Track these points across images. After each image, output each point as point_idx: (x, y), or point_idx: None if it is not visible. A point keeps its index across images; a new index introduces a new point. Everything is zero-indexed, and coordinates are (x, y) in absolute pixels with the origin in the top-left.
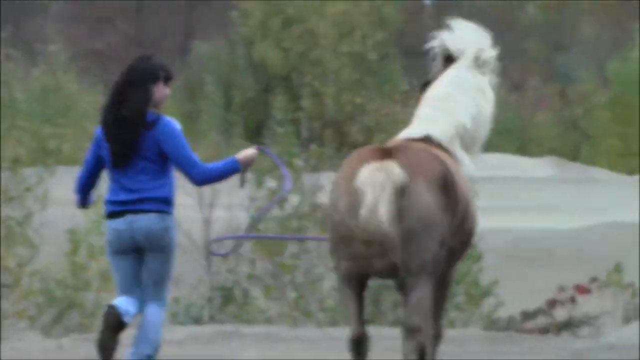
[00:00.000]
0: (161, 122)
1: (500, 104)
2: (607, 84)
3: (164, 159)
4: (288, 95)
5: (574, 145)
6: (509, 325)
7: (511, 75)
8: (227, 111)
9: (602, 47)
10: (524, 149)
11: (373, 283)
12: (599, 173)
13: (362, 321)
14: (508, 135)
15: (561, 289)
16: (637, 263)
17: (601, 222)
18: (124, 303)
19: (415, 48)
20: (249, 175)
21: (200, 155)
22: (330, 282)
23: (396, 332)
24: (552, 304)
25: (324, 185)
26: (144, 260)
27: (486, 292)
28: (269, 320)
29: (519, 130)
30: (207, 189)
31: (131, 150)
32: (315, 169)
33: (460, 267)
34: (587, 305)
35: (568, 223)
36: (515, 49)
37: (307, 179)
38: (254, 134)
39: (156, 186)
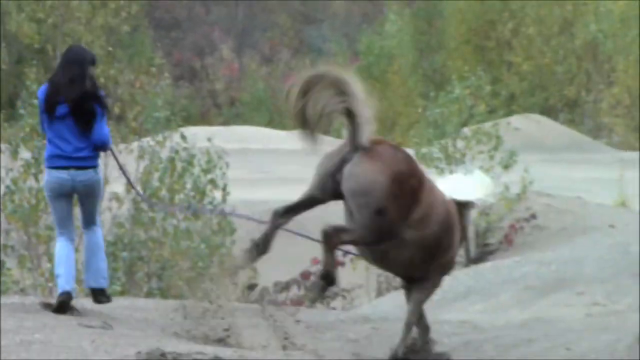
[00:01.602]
0: None
1: (251, 76)
2: (358, 58)
3: None
4: (42, 66)
5: None
6: (262, 297)
7: (262, 48)
8: None
9: (352, 21)
10: (274, 121)
11: (127, 255)
12: None
13: None
14: (259, 108)
15: (315, 261)
16: None
17: None
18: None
19: (164, 20)
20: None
21: None
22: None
23: (150, 303)
24: (306, 275)
25: None
26: None
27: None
28: (23, 291)
29: (269, 103)
30: None
31: None
32: None
33: (214, 240)
34: (340, 278)
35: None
36: (266, 22)
37: None
38: (7, 106)
39: None
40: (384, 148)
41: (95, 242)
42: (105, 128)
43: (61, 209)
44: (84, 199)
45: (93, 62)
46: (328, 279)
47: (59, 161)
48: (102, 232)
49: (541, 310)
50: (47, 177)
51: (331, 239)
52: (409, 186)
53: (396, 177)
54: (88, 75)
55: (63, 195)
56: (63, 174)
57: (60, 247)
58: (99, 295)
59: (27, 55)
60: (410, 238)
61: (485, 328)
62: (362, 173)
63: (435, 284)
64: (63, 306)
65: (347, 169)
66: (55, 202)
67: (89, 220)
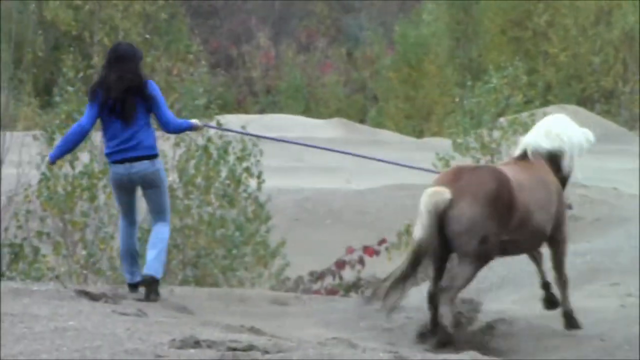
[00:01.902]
0: None
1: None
2: (394, 47)
3: None
4: (78, 53)
5: (361, 107)
6: (297, 286)
7: (299, 36)
8: (17, 69)
9: (389, 11)
10: (310, 110)
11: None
12: (386, 135)
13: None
14: (295, 96)
15: (349, 250)
16: None
17: (387, 184)
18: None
19: (202, 8)
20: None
21: None
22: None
23: (186, 291)
24: (341, 265)
25: None
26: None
27: (274, 253)
28: (58, 278)
29: (306, 92)
30: None
31: None
32: None
33: (249, 228)
34: (375, 266)
35: (354, 184)
36: (302, 10)
37: (98, 137)
38: (44, 92)
39: None
40: (467, 176)
41: (156, 236)
42: (165, 115)
43: (123, 202)
44: (144, 190)
45: (140, 58)
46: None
47: (114, 156)
48: (167, 229)
49: (575, 300)
50: (110, 172)
51: (448, 293)
52: (500, 202)
53: (487, 200)
54: (136, 71)
55: (123, 188)
56: (119, 168)
57: (120, 232)
58: (149, 286)
59: (64, 42)
60: (517, 238)
61: (520, 318)
62: (458, 213)
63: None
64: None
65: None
66: (117, 195)
67: (154, 214)
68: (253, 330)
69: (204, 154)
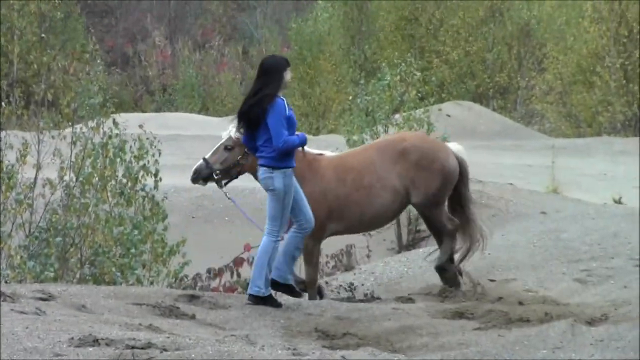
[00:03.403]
0: None
1: (184, 63)
2: (290, 45)
3: None
4: None
5: None
6: (195, 283)
7: (194, 34)
8: None
9: (284, 9)
10: (207, 108)
11: (60, 241)
12: None
13: None
14: (191, 94)
15: (247, 247)
16: None
17: None
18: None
19: (97, 7)
20: None
21: None
22: (17, 240)
23: (84, 290)
24: (239, 262)
25: (12, 144)
26: None
27: (172, 251)
28: None
29: (202, 90)
30: None
31: None
32: (2, 127)
33: (146, 226)
34: None
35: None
36: (198, 8)
37: None
38: None
39: None
40: None
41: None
42: (273, 130)
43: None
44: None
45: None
46: None
47: None
48: (267, 240)
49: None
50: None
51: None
52: None
53: None
54: (268, 86)
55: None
56: None
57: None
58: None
59: None
60: None
61: (419, 315)
62: None
63: None
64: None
65: None
66: None
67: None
68: (151, 328)
69: (101, 152)
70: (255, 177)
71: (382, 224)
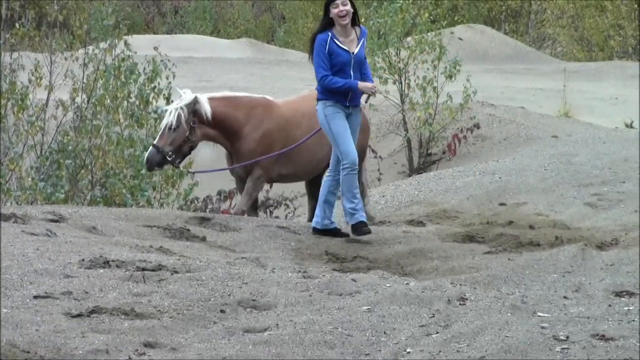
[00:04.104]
0: None
1: None
2: None
3: None
4: None
5: (269, 27)
6: (206, 206)
7: None
8: None
9: None
10: (219, 30)
11: (71, 163)
12: (294, 55)
13: None
14: (203, 17)
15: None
16: None
17: None
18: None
19: None
20: None
21: None
22: (29, 162)
23: (94, 211)
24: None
25: (24, 65)
26: None
27: (182, 173)
28: None
29: (214, 12)
30: None
31: None
32: (14, 48)
33: None
34: (284, 186)
35: None
36: None
37: (6, 58)
38: None
39: None
40: None
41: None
42: (314, 67)
43: None
44: None
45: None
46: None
47: None
48: (328, 180)
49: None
50: None
51: None
52: None
53: None
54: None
55: None
56: None
57: None
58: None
59: None
60: None
61: (430, 238)
62: None
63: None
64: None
65: None
66: None
67: None
68: (162, 250)
69: (113, 73)
70: (220, 143)
71: (318, 171)
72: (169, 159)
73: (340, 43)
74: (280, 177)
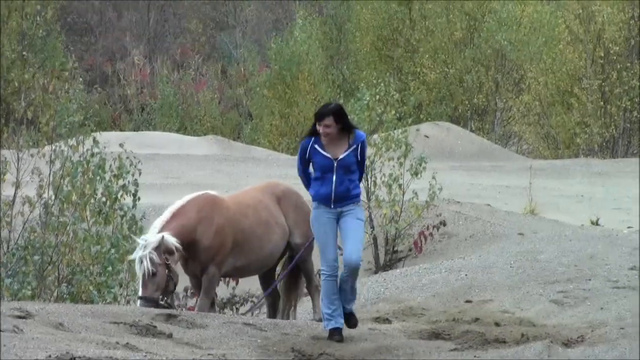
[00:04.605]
0: None
1: (162, 82)
2: (268, 64)
3: None
4: None
5: (236, 124)
6: (173, 301)
7: (173, 53)
8: None
9: (263, 28)
10: (185, 127)
11: (38, 259)
12: (260, 152)
13: None
14: (170, 114)
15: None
16: None
17: None
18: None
19: (76, 25)
20: None
21: None
22: None
23: (61, 308)
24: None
25: None
26: None
27: None
28: None
29: (180, 109)
30: None
31: None
32: None
33: (124, 245)
34: (250, 283)
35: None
36: (177, 27)
37: None
38: None
39: None
40: None
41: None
42: None
43: None
44: None
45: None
46: None
47: None
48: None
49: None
50: None
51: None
52: None
53: None
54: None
55: None
56: None
57: None
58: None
59: None
60: None
61: (396, 335)
62: None
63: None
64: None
65: None
66: None
67: None
68: (128, 346)
69: (81, 170)
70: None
71: (271, 264)
72: (163, 303)
73: (322, 149)
74: (235, 270)
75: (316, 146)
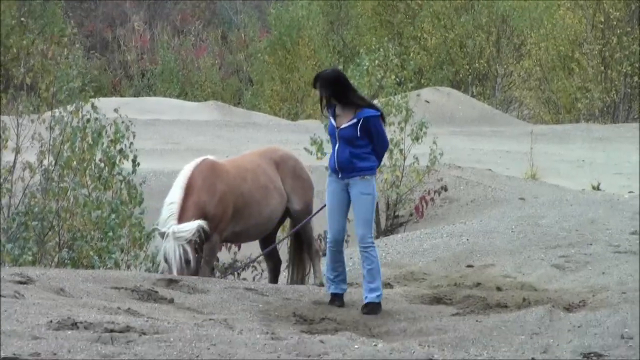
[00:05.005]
0: None
1: (163, 48)
2: (269, 30)
3: None
4: None
5: (237, 90)
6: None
7: (173, 19)
8: None
9: None
10: (186, 93)
11: (38, 225)
12: (261, 118)
13: None
14: (170, 79)
15: None
16: None
17: None
18: None
19: None
20: None
21: None
22: None
23: (62, 273)
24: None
25: None
26: None
27: (149, 235)
28: None
29: (181, 75)
30: None
31: None
32: None
33: (124, 211)
34: (251, 248)
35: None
36: None
37: None
38: None
39: None
40: None
41: None
42: None
43: None
44: None
45: None
46: None
47: None
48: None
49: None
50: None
51: None
52: None
53: None
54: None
55: None
56: None
57: None
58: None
59: None
60: None
61: (397, 300)
62: None
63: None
64: None
65: None
66: None
67: None
68: (130, 311)
69: (78, 136)
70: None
71: (269, 228)
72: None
73: (332, 116)
74: (234, 235)
75: (331, 111)
